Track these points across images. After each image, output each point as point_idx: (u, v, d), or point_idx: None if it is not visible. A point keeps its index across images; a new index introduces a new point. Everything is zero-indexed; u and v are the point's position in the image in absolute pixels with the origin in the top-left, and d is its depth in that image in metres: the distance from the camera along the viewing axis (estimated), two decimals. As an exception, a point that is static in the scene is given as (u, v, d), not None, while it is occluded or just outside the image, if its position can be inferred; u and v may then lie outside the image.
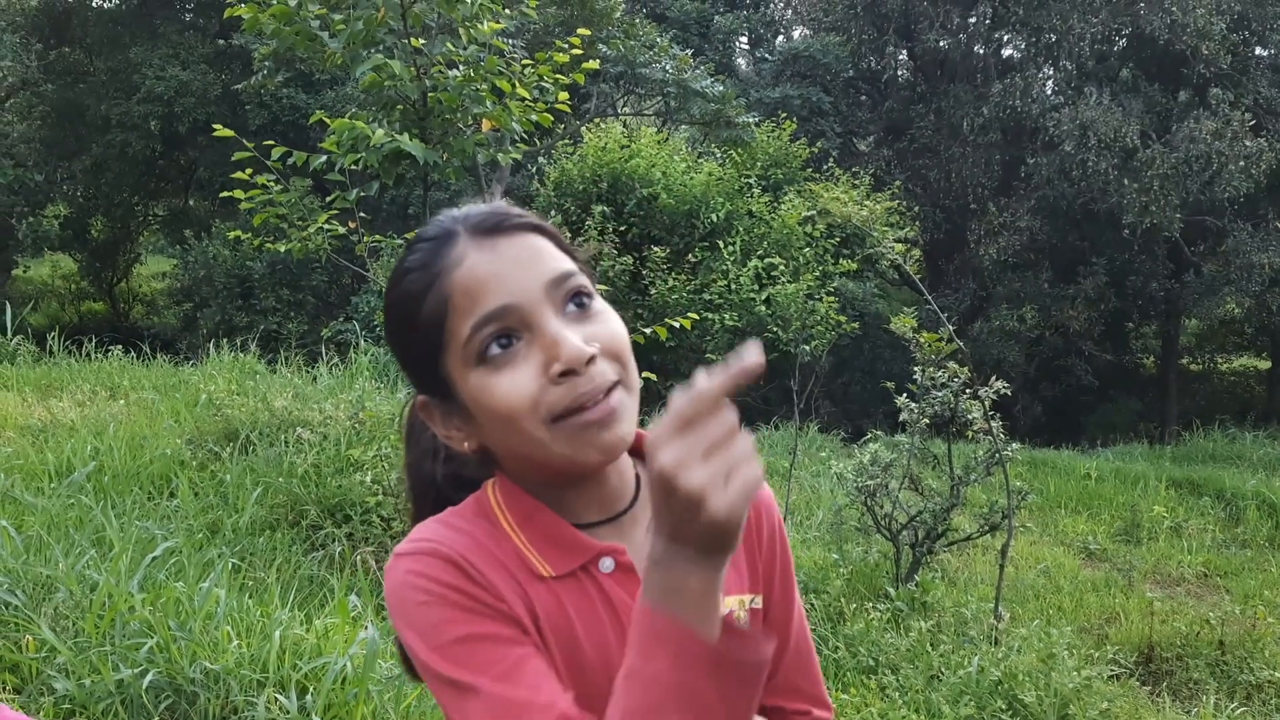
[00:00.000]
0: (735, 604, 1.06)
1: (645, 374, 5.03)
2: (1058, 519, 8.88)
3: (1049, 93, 18.51)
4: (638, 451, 1.05)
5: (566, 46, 4.54)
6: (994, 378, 5.91)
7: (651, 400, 11.93)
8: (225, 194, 4.24)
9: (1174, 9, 15.99)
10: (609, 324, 0.97)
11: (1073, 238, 18.43)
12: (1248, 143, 15.36)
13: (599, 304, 0.99)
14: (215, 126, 4.03)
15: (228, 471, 5.43)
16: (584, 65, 4.57)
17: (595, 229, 12.54)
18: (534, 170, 14.16)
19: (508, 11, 4.63)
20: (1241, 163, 15.29)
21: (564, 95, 4.44)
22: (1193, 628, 5.60)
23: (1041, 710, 3.90)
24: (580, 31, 4.75)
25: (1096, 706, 3.91)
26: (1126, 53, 18.17)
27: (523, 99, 4.34)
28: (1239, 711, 4.64)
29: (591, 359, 0.93)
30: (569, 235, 12.61)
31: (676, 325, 5.70)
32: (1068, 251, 18.52)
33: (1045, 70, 19.06)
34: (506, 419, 0.95)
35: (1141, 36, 17.06)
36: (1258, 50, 17.44)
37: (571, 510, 1.02)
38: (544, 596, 0.98)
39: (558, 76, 4.56)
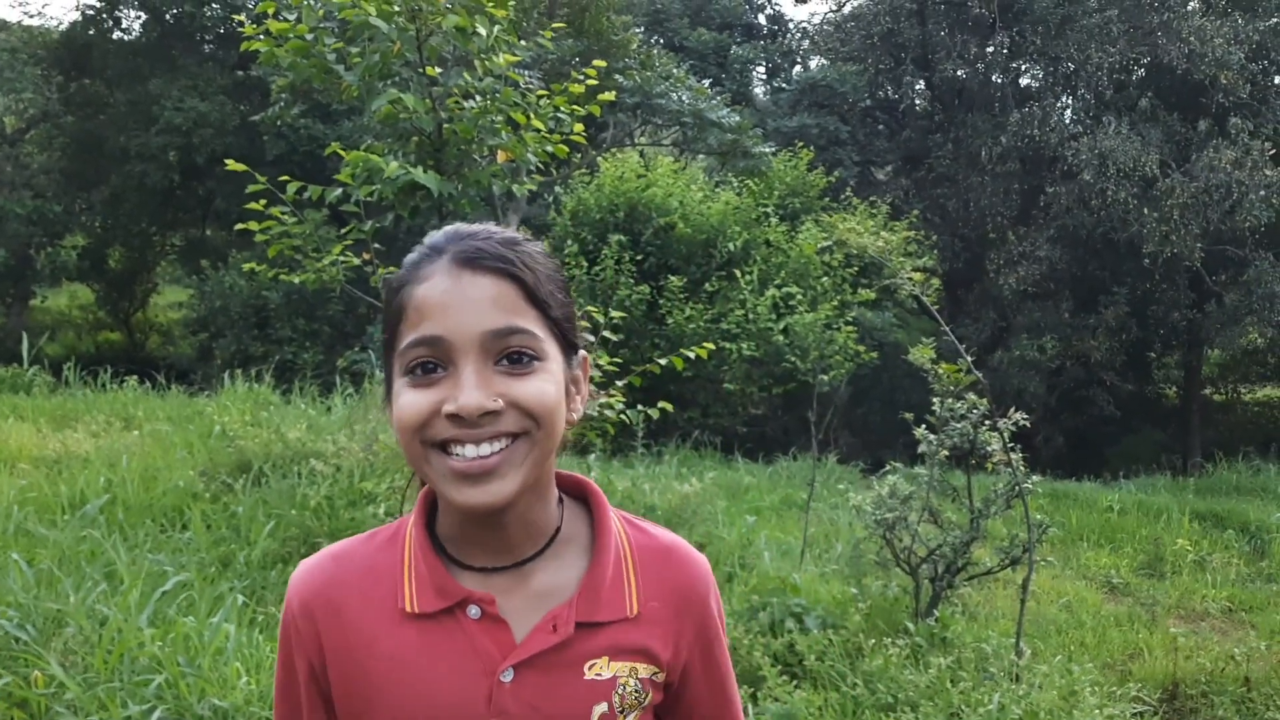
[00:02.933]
0: (625, 670, 1.06)
1: (662, 404, 4.97)
2: (1080, 552, 8.74)
3: (1067, 122, 18.47)
4: (579, 497, 1.12)
5: (582, 78, 4.54)
6: (1013, 409, 5.83)
7: (669, 430, 11.87)
8: (240, 226, 4.25)
9: (1192, 39, 15.97)
10: (537, 386, 1.00)
11: (1093, 267, 18.32)
12: (1268, 172, 15.26)
13: (543, 365, 1.01)
14: (227, 161, 4.04)
15: (240, 504, 5.41)
16: (600, 96, 4.57)
17: (612, 258, 12.56)
18: (551, 199, 14.23)
19: (524, 44, 4.64)
20: (1262, 192, 15.19)
21: (579, 126, 4.43)
22: (1218, 664, 5.48)
23: (1064, 751, 3.81)
24: (596, 63, 4.75)
25: (1120, 747, 3.83)
26: (1145, 82, 18.12)
27: (538, 130, 4.34)
28: (1268, 752, 4.52)
29: (488, 413, 0.97)
30: (585, 264, 12.66)
31: (692, 355, 5.68)
32: (1088, 281, 18.41)
33: (1063, 99, 19.05)
34: (398, 427, 1.00)
35: (1160, 66, 17.03)
36: (1277, 79, 17.36)
37: (467, 548, 1.06)
38: (406, 633, 1.04)
39: (574, 108, 4.56)
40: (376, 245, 4.42)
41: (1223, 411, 22.26)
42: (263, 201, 3.99)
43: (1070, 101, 19.10)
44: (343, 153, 3.78)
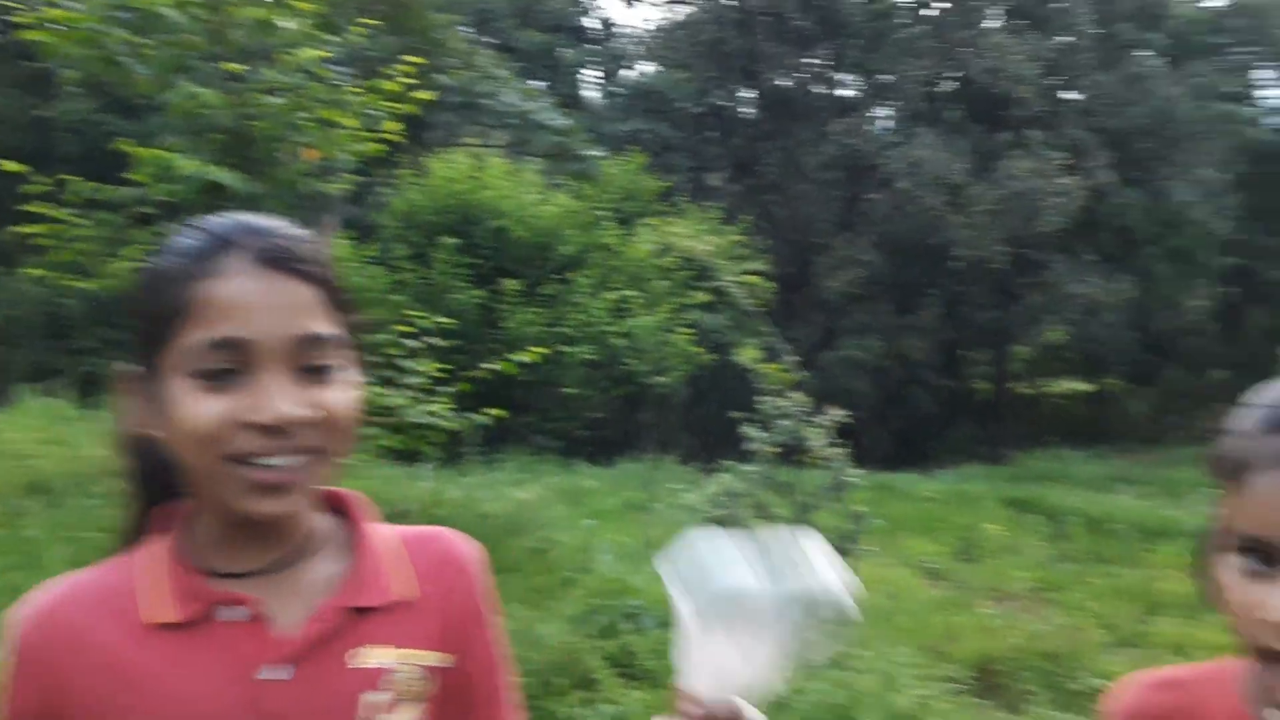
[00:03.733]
0: (397, 657, 1.02)
1: (495, 410, 4.89)
2: (902, 541, 9.13)
3: (883, 132, 19.36)
4: (336, 506, 1.09)
5: (398, 75, 4.44)
6: (831, 406, 6.05)
7: (507, 436, 11.66)
8: (22, 229, 3.93)
9: (993, 54, 17.03)
10: (340, 395, 0.96)
11: (910, 271, 19.25)
12: (1061, 180, 16.44)
13: (345, 375, 0.98)
14: (1, 163, 3.74)
15: (33, 528, 5.01)
16: (416, 94, 4.47)
17: (444, 261, 12.35)
18: (377, 200, 13.87)
19: (335, 39, 4.50)
20: (1056, 199, 16.35)
21: (394, 125, 4.33)
22: (1025, 641, 5.81)
23: (883, 732, 3.96)
24: (411, 59, 4.66)
25: (933, 724, 4.01)
26: (953, 95, 19.20)
27: (350, 128, 4.22)
28: (1065, 718, 4.82)
29: (293, 422, 0.93)
30: (415, 268, 12.38)
31: (525, 361, 5.63)
32: (907, 284, 19.34)
33: (880, 110, 19.96)
34: (187, 435, 0.93)
35: (965, 80, 18.10)
36: (1069, 94, 18.71)
37: (226, 553, 1.01)
38: (155, 648, 0.97)
39: (389, 105, 4.45)
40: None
41: (1030, 404, 23.81)
42: (45, 205, 3.71)
43: (886, 112, 20.04)
44: (134, 150, 3.55)
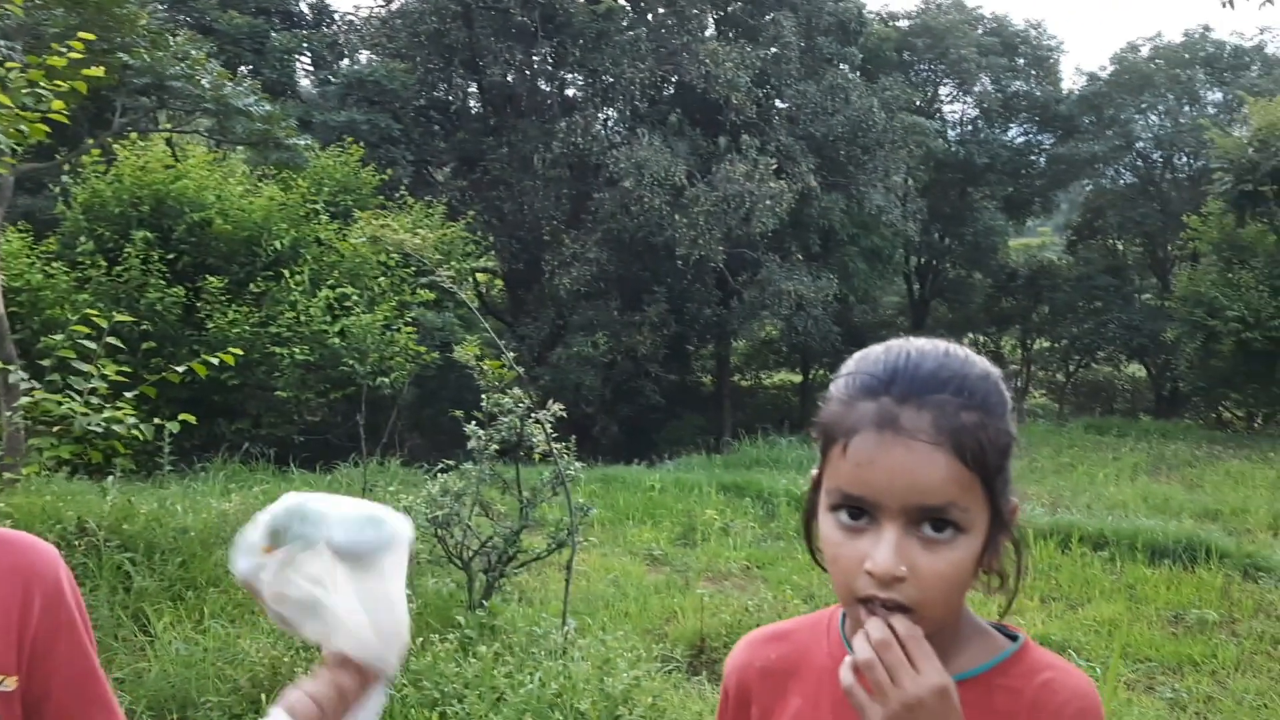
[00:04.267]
0: None
1: (185, 415, 4.53)
2: (626, 530, 9.39)
3: (608, 132, 19.81)
4: None
5: (66, 50, 4.03)
6: (552, 401, 6.10)
7: (216, 444, 10.94)
8: None
9: (707, 61, 17.85)
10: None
11: (636, 268, 19.83)
12: (772, 184, 17.49)
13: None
14: None
15: None
16: (86, 72, 4.08)
17: (137, 256, 11.38)
18: (57, 190, 12.57)
19: (-9, 6, 4.02)
20: (768, 201, 17.38)
21: (60, 105, 3.92)
22: (736, 616, 6.13)
23: (596, 714, 4.03)
24: (83, 35, 4.24)
25: (644, 703, 4.12)
26: (673, 99, 19.95)
27: (8, 107, 3.78)
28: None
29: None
30: (105, 264, 11.32)
31: (227, 363, 5.26)
32: (633, 281, 19.90)
33: (604, 110, 20.39)
34: None
35: (684, 85, 18.85)
36: (778, 103, 19.94)
37: None
38: None
39: (56, 83, 4.03)
40: None
41: (748, 395, 25.25)
42: None
43: (611, 113, 20.50)
44: None
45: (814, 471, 1.05)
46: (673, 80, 19.60)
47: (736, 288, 19.70)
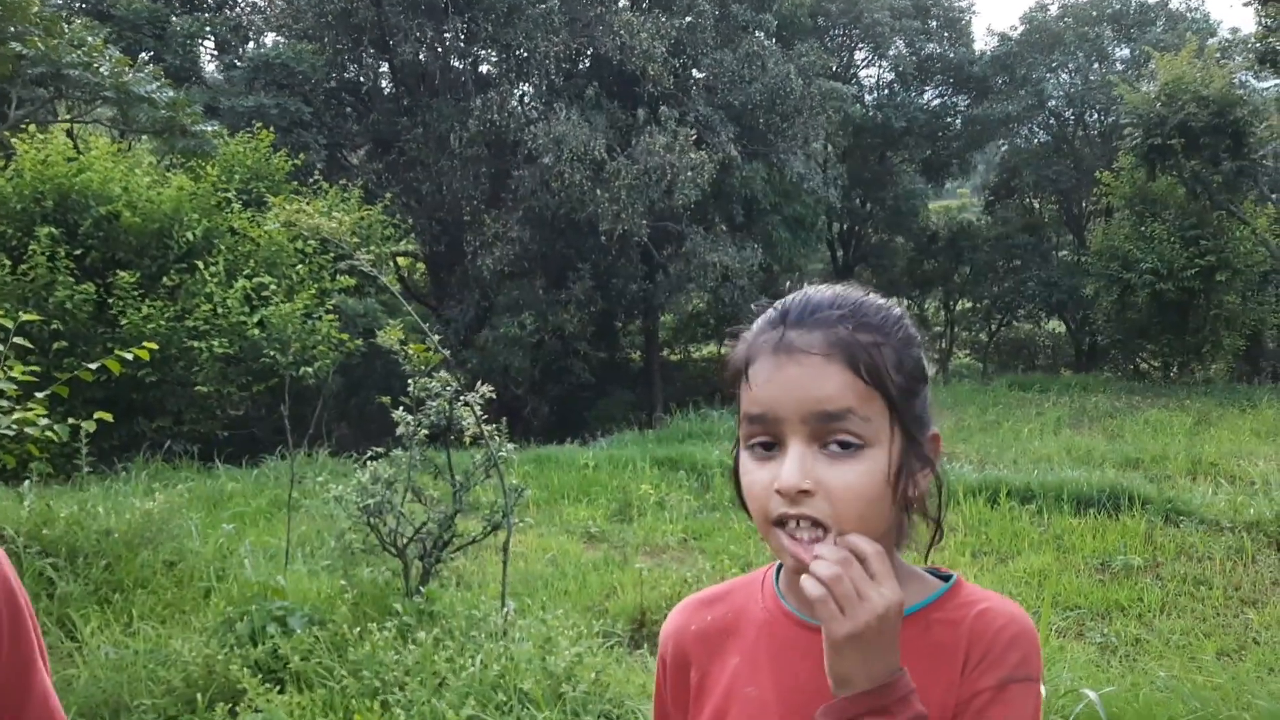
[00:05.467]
0: None
1: (101, 413, 4.37)
2: (562, 509, 9.38)
3: (525, 108, 19.59)
4: None
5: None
6: (481, 383, 6.04)
7: (137, 443, 10.69)
8: None
9: (622, 32, 17.73)
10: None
11: (560, 245, 19.71)
12: (693, 155, 17.48)
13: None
14: None
15: None
16: (-27, 59, 3.88)
17: (43, 254, 10.95)
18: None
19: None
20: (690, 173, 17.37)
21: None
22: (675, 588, 6.17)
23: (539, 693, 4.02)
24: (-33, 20, 4.04)
25: (587, 679, 4.13)
26: (590, 72, 19.79)
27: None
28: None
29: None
30: (8, 263, 10.88)
31: (140, 358, 5.09)
32: (557, 259, 19.78)
33: (520, 86, 20.15)
34: None
35: (600, 57, 18.70)
36: (694, 72, 19.91)
37: None
38: None
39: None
40: None
41: (678, 369, 25.33)
42: None
43: (527, 88, 20.27)
44: None
45: (736, 415, 1.09)
46: (588, 53, 19.45)
47: (661, 262, 19.71)
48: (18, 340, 4.30)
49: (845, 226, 28.35)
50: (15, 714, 0.99)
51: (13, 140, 11.64)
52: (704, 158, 17.66)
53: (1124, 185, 20.21)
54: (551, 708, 3.92)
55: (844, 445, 0.98)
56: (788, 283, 24.97)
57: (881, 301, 1.06)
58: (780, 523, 0.99)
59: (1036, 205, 28.36)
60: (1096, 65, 26.32)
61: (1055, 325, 28.33)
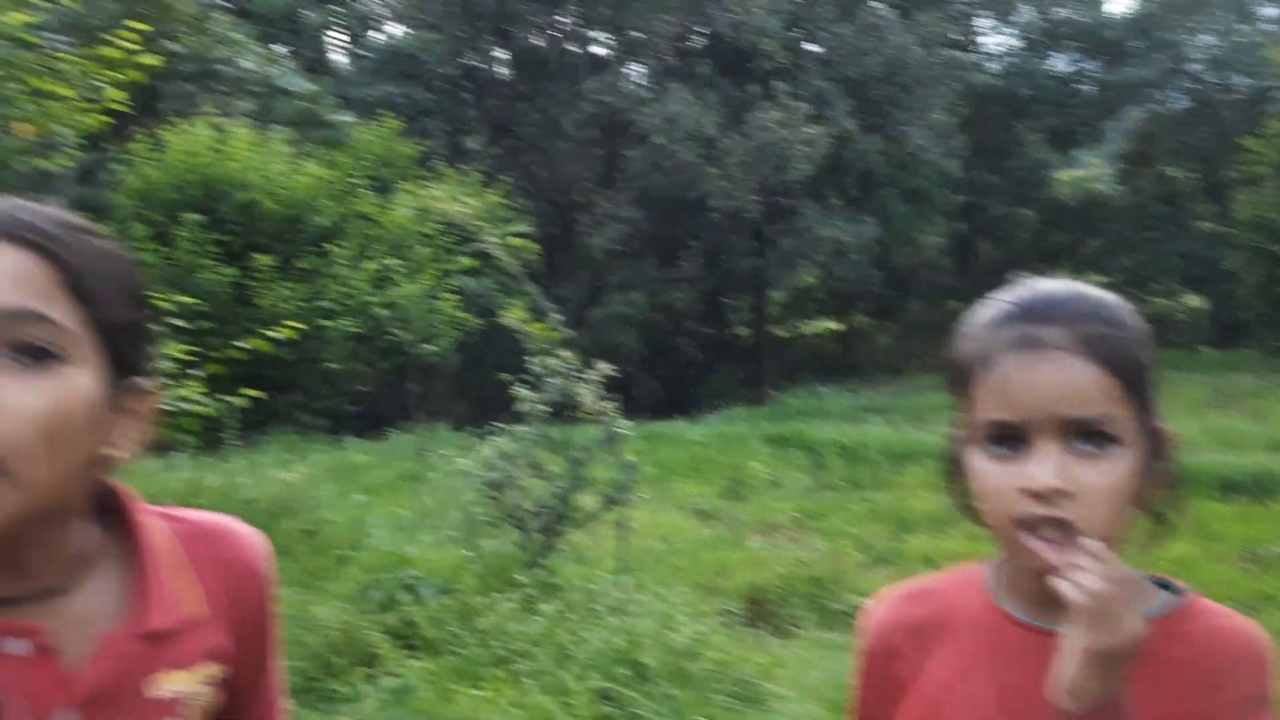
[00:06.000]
0: (193, 680, 0.96)
1: (254, 391, 4.69)
2: (673, 486, 9.48)
3: (638, 88, 19.69)
4: (106, 507, 0.96)
5: (120, 42, 4.14)
6: (601, 362, 6.19)
7: (272, 418, 11.24)
8: None
9: (736, 8, 17.63)
10: (36, 395, 0.80)
11: (671, 224, 19.80)
12: (807, 130, 17.32)
13: (65, 372, 0.82)
14: None
15: None
16: (140, 60, 4.18)
17: (188, 239, 11.61)
18: (109, 178, 12.83)
19: (44, 4, 4.14)
20: (803, 147, 17.22)
21: (118, 94, 4.04)
22: (791, 569, 6.20)
23: (662, 669, 4.16)
24: (134, 25, 4.35)
25: (709, 656, 4.24)
26: (703, 50, 19.76)
27: (68, 99, 3.90)
28: (830, 638, 5.23)
29: None
30: (157, 248, 11.57)
31: (280, 337, 5.42)
32: (668, 238, 19.89)
33: (633, 67, 20.26)
34: None
35: (713, 35, 18.67)
36: (810, 46, 19.66)
37: None
38: None
39: (112, 74, 4.15)
40: None
41: (787, 345, 25.18)
42: None
43: (639, 69, 20.36)
44: None
45: (958, 414, 1.04)
46: (702, 31, 19.41)
47: (772, 237, 19.61)
48: (174, 321, 4.61)
49: (967, 199, 27.61)
50: (251, 687, 1.07)
51: (162, 132, 12.37)
52: (819, 132, 17.48)
53: (1273, 152, 19.08)
54: (675, 683, 4.05)
55: (1097, 444, 0.94)
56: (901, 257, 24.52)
57: (1116, 298, 1.02)
58: (1025, 523, 0.94)
59: (1175, 174, 27.04)
60: (1242, 26, 24.89)
61: (1193, 299, 27.05)
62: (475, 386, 17.92)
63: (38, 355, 0.80)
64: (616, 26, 19.15)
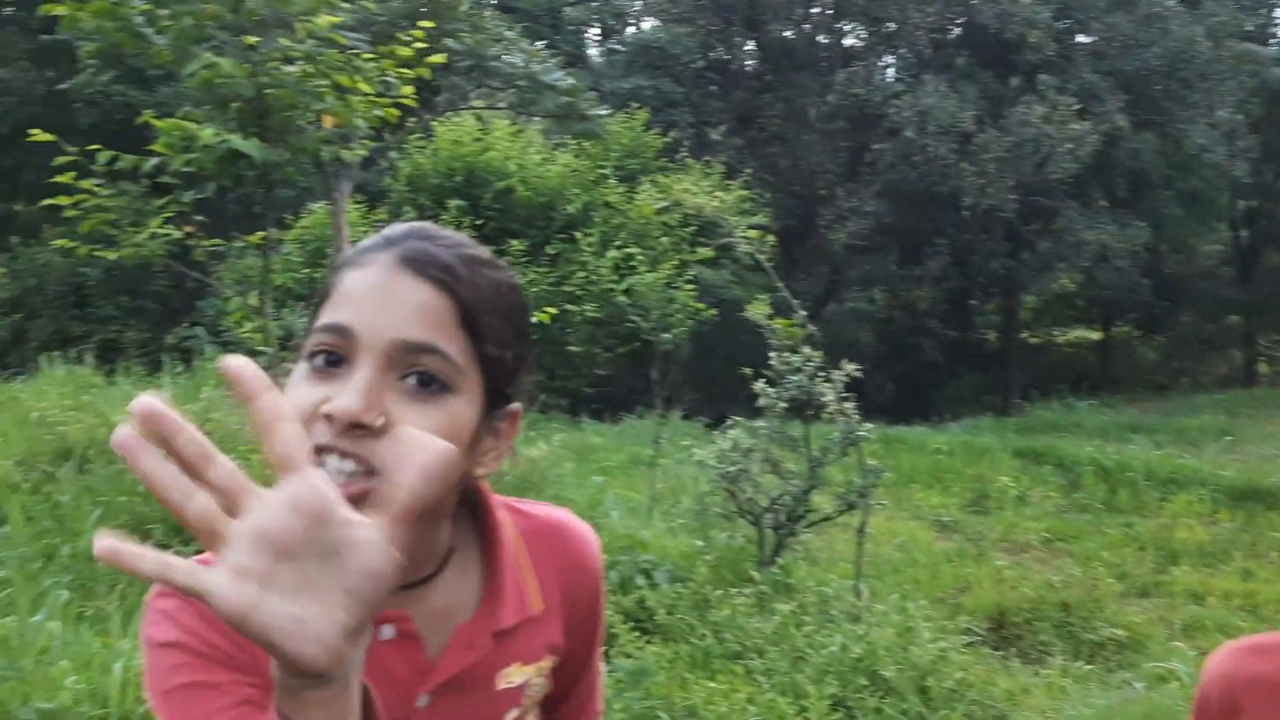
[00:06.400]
0: (533, 672, 1.01)
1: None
2: (912, 494, 9.20)
3: (890, 80, 19.16)
4: (466, 501, 1.01)
5: (410, 40, 4.43)
6: (845, 360, 6.07)
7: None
8: (47, 201, 3.96)
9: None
10: (427, 422, 0.84)
11: (917, 220, 19.16)
12: (1074, 126, 16.26)
13: (450, 402, 0.88)
14: (30, 131, 3.76)
15: (63, 493, 5.10)
16: (429, 59, 4.46)
17: (451, 223, 12.36)
18: (386, 165, 13.88)
19: (346, 5, 4.48)
20: (1069, 145, 16.19)
21: (408, 89, 4.33)
22: (1039, 592, 5.88)
23: (902, 684, 4.03)
24: (424, 24, 4.64)
25: (952, 676, 4.08)
26: (961, 41, 18.97)
27: (365, 94, 4.21)
28: (1084, 669, 4.91)
29: (362, 427, 0.83)
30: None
31: (534, 319, 5.66)
32: (913, 234, 19.26)
33: (886, 59, 19.73)
34: None
35: (974, 25, 17.86)
36: (1080, 38, 18.46)
37: None
38: None
39: (402, 70, 4.45)
40: (200, 217, 4.21)
41: (1038, 353, 23.80)
42: (73, 174, 3.73)
43: (892, 61, 19.81)
44: (156, 122, 3.56)
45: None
46: (961, 22, 18.63)
47: (1028, 238, 18.58)
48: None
49: (1252, 204, 25.06)
50: (575, 677, 1.12)
51: (433, 124, 13.25)
52: (1086, 128, 16.38)
53: None
54: (915, 699, 3.92)
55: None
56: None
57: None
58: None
59: None
60: None
61: None
62: (706, 376, 18.06)
63: (430, 384, 0.87)
64: (871, 17, 18.70)
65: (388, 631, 0.94)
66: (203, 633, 0.89)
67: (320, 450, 0.82)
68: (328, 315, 0.89)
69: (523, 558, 1.03)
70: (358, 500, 0.77)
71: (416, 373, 0.86)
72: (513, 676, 0.99)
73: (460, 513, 1.02)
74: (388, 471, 0.80)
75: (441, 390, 0.87)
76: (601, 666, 1.19)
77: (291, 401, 0.83)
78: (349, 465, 0.82)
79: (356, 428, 0.82)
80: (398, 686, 0.93)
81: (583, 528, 1.11)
